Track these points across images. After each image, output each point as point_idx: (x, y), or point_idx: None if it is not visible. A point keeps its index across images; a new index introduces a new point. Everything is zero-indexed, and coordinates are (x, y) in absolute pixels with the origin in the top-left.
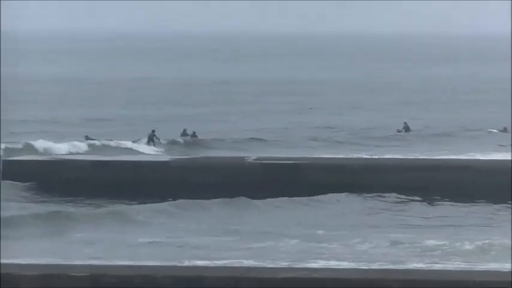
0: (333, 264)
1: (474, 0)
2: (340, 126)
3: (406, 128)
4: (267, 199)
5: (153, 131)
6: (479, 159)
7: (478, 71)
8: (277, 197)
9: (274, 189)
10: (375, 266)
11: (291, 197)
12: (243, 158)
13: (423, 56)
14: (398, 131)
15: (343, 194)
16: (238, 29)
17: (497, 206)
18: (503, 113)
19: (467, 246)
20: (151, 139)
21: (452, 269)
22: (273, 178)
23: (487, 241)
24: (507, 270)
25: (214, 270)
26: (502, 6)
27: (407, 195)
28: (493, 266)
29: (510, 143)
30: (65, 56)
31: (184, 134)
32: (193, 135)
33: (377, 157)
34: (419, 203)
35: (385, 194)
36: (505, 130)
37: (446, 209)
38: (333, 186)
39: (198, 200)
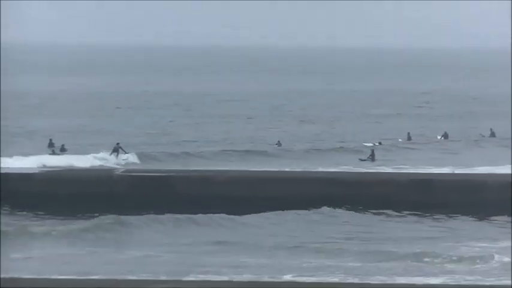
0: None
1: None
2: (231, 138)
3: (278, 144)
4: (143, 215)
5: (118, 144)
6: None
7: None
8: (148, 210)
9: (144, 202)
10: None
11: (162, 209)
12: (111, 170)
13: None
14: (276, 145)
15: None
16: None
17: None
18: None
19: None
20: (117, 150)
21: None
22: (143, 191)
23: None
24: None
25: (86, 282)
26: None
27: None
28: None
29: (367, 157)
30: None
31: (51, 145)
32: (62, 148)
33: (255, 170)
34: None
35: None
36: (380, 144)
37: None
38: (203, 199)
39: (64, 217)
